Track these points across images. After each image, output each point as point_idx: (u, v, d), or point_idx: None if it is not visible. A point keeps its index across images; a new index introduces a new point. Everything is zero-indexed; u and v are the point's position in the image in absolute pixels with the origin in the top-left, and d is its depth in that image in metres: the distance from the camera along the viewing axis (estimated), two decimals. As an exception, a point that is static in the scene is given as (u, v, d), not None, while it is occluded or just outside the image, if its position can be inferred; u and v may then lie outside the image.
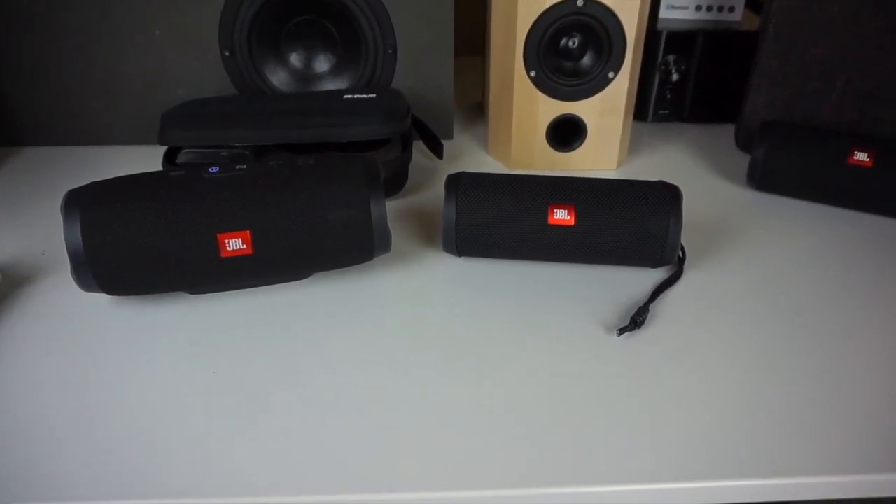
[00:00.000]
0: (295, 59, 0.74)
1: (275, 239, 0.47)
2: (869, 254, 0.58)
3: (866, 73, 0.67)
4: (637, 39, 0.65)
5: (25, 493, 0.37)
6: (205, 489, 0.37)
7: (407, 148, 0.65)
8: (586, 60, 0.67)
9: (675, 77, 0.80)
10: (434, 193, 0.67)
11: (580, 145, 0.70)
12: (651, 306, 0.51)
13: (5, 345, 0.47)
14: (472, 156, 0.75)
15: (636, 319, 0.49)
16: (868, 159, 0.61)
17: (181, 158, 0.63)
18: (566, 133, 0.70)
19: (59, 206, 0.64)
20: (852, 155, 0.61)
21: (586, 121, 0.69)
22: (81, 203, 0.46)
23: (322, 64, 0.75)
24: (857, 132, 0.66)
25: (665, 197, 0.52)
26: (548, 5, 0.62)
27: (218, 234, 0.46)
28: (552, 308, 0.51)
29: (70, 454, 0.39)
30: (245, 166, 0.49)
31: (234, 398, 0.43)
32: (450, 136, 0.78)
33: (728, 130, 0.81)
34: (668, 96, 0.81)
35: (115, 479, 0.37)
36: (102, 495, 0.37)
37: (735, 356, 0.47)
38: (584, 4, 0.62)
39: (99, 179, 0.49)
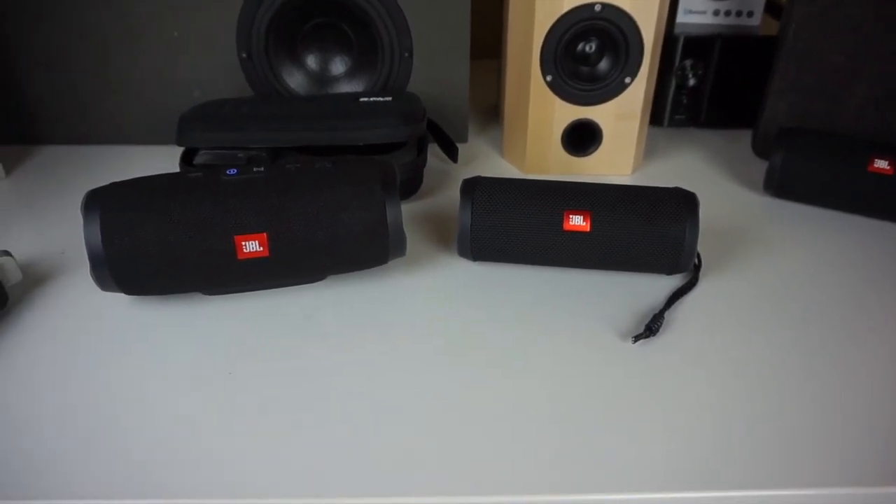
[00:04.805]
0: (311, 61, 0.74)
1: (291, 241, 0.48)
2: (888, 263, 0.58)
3: (887, 79, 0.66)
4: (654, 44, 0.65)
5: (40, 490, 0.37)
6: (218, 490, 0.37)
7: (422, 151, 0.65)
8: (603, 65, 0.67)
9: (691, 82, 0.79)
10: (449, 197, 0.67)
11: (595, 150, 0.70)
12: (666, 314, 0.51)
13: (24, 343, 0.48)
14: (486, 159, 0.75)
15: (651, 327, 0.48)
16: (888, 167, 0.60)
17: (198, 159, 0.64)
18: (581, 138, 0.70)
19: (77, 205, 0.65)
20: (872, 162, 0.60)
21: (602, 126, 0.68)
22: (101, 203, 0.46)
23: (338, 67, 0.75)
24: (877, 139, 0.66)
25: (682, 204, 0.51)
26: (565, 10, 0.62)
27: (235, 237, 0.47)
28: (566, 314, 0.51)
29: (85, 452, 0.39)
30: (262, 169, 0.49)
31: (248, 399, 0.43)
32: (464, 140, 0.78)
33: (745, 136, 0.80)
34: (685, 101, 0.81)
35: (129, 479, 0.38)
36: (115, 494, 0.37)
37: (750, 365, 0.47)
38: (602, 9, 0.62)
39: (116, 179, 0.49)
